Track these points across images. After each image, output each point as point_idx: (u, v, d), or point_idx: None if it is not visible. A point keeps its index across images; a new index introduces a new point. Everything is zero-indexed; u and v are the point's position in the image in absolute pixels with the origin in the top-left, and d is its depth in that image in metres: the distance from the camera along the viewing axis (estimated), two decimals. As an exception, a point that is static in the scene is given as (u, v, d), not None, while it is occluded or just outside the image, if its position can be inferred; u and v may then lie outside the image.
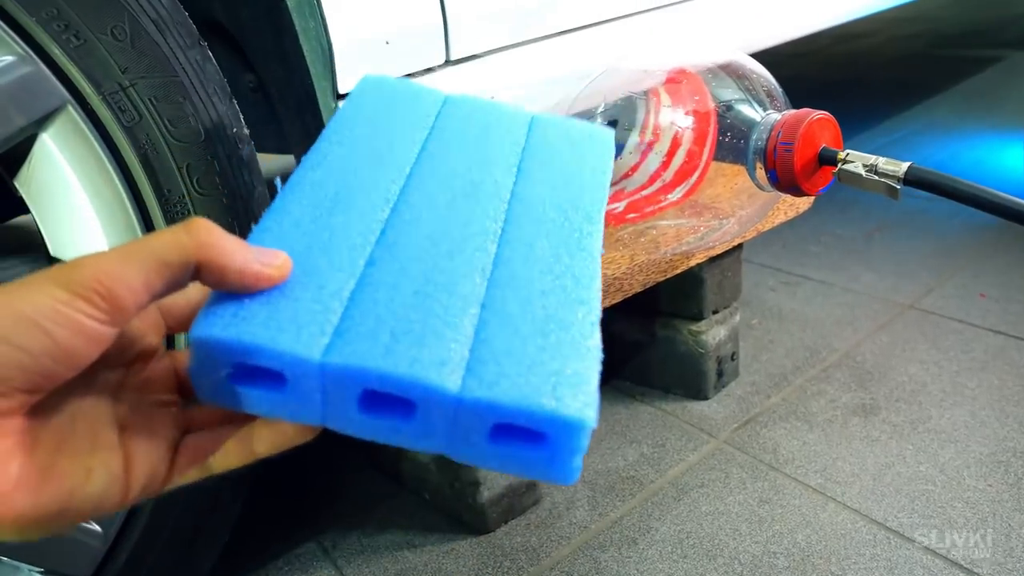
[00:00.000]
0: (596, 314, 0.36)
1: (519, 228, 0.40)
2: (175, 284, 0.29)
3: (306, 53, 0.59)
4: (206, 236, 0.29)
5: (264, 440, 0.33)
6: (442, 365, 0.31)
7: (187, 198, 0.54)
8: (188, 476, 0.32)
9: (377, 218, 0.37)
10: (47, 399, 0.27)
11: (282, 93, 0.69)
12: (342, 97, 0.61)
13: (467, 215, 0.39)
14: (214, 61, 0.55)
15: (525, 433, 0.31)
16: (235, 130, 0.56)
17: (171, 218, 0.53)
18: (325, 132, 0.42)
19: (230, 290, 0.30)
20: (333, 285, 0.33)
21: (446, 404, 0.30)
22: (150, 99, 0.51)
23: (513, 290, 0.35)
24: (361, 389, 0.30)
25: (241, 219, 0.57)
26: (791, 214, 0.88)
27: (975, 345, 0.97)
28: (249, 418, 0.33)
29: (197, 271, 0.29)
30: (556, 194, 0.43)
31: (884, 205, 1.39)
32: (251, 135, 0.83)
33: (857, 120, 1.87)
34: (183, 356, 0.34)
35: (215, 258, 0.29)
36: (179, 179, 0.53)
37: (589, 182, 0.45)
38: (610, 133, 0.49)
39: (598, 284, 0.37)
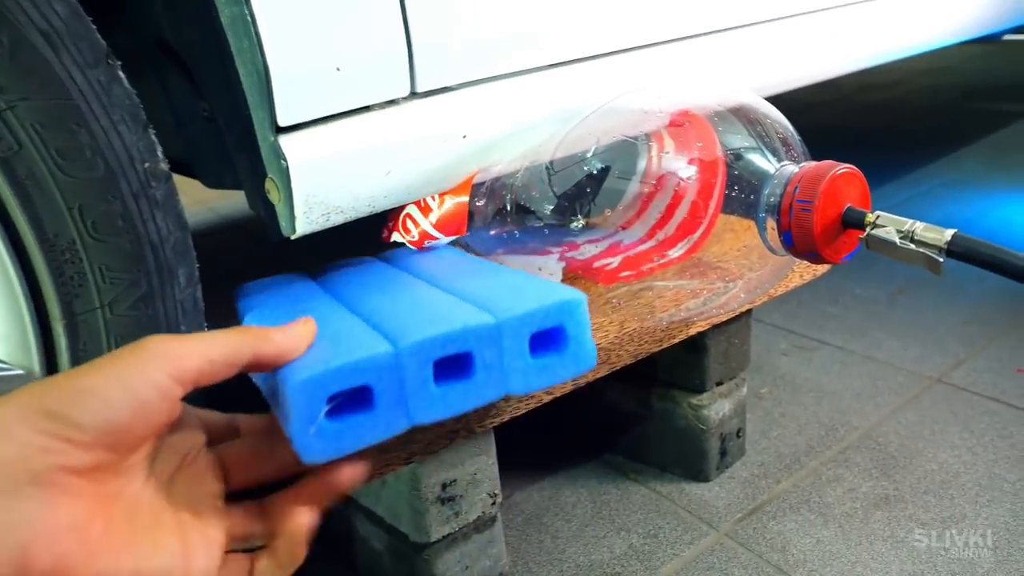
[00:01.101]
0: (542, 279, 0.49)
1: (442, 280, 0.52)
2: (231, 364, 0.34)
3: (242, 78, 0.51)
4: (246, 326, 0.39)
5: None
6: (476, 315, 0.41)
7: (78, 244, 0.45)
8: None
9: (336, 304, 0.48)
10: (116, 478, 0.32)
11: (228, 123, 0.60)
12: (282, 131, 0.52)
13: (398, 288, 0.50)
14: (125, 83, 0.46)
15: (549, 337, 0.42)
16: (147, 165, 0.47)
17: (56, 267, 0.44)
18: (241, 305, 0.54)
19: (284, 354, 0.37)
20: (357, 328, 0.42)
21: (492, 337, 0.40)
22: (33, 125, 0.42)
23: (476, 291, 0.47)
24: (432, 363, 0.38)
25: (149, 270, 0.48)
26: (808, 276, 0.78)
27: (1014, 429, 0.86)
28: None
29: (251, 358, 0.35)
30: (443, 269, 0.56)
31: (909, 263, 1.28)
32: (206, 168, 0.75)
33: (880, 171, 1.77)
34: (229, 449, 0.40)
35: (261, 333, 0.36)
36: (69, 221, 0.44)
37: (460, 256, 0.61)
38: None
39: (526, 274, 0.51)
